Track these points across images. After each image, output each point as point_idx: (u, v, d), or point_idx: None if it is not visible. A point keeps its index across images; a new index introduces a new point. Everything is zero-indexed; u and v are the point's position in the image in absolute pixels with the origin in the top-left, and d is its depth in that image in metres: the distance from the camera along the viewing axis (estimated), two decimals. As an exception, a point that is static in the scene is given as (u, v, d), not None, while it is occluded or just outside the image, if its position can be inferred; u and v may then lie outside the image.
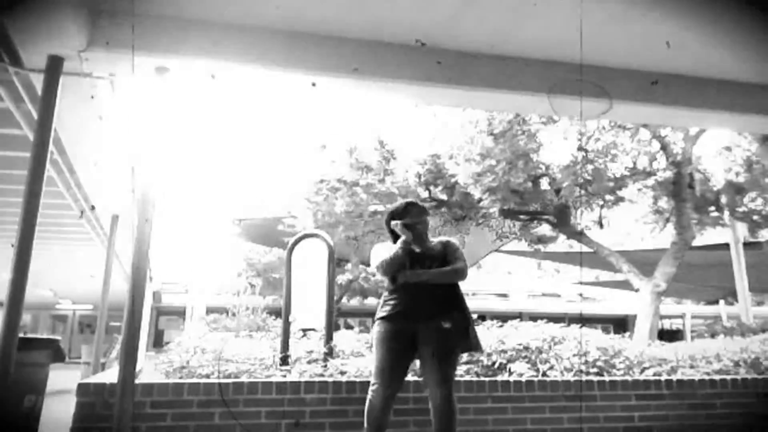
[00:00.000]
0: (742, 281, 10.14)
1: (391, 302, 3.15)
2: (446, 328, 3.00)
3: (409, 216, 3.28)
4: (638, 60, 3.57)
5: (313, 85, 3.33)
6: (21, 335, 2.72)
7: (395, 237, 3.26)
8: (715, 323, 10.75)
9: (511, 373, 3.87)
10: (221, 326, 8.86)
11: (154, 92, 3.03)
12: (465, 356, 4.11)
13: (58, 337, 4.67)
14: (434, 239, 3.38)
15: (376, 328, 3.12)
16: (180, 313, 17.64)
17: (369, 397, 2.99)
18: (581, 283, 20.84)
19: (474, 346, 3.14)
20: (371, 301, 18.40)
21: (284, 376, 3.57)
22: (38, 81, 2.90)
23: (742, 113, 3.81)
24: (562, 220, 9.08)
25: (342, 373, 3.64)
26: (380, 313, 3.15)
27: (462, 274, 3.19)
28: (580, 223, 9.49)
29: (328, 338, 4.01)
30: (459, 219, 9.26)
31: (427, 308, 3.06)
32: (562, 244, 10.97)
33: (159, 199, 3.05)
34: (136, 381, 3.13)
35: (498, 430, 3.58)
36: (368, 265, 14.81)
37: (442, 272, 3.15)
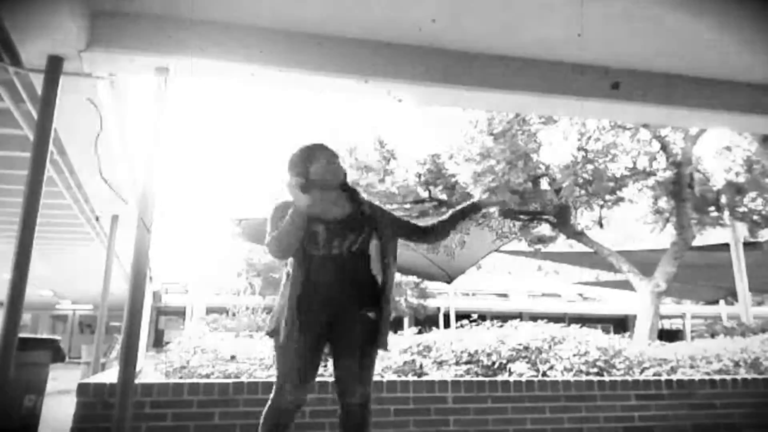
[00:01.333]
0: (742, 281, 10.13)
1: (299, 284, 2.39)
2: (370, 318, 2.40)
3: (313, 162, 2.50)
4: (638, 60, 3.57)
5: (320, 92, 3.33)
6: (21, 335, 2.72)
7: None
8: (715, 323, 10.75)
9: (511, 373, 3.87)
10: (221, 326, 8.86)
11: (154, 92, 3.03)
12: (465, 357, 4.11)
13: (58, 337, 4.67)
14: (346, 199, 2.56)
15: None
16: (180, 313, 17.65)
17: (272, 401, 2.38)
18: (581, 283, 20.84)
19: (382, 344, 2.45)
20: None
21: (284, 376, 3.57)
22: (38, 81, 2.89)
23: (742, 113, 3.81)
24: (562, 220, 9.07)
25: (342, 373, 3.63)
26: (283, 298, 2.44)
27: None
28: (580, 223, 9.48)
29: (328, 338, 4.00)
30: (459, 219, 9.25)
31: (347, 292, 2.41)
32: (562, 244, 10.97)
33: (159, 199, 3.05)
34: (136, 381, 3.13)
35: (498, 430, 3.58)
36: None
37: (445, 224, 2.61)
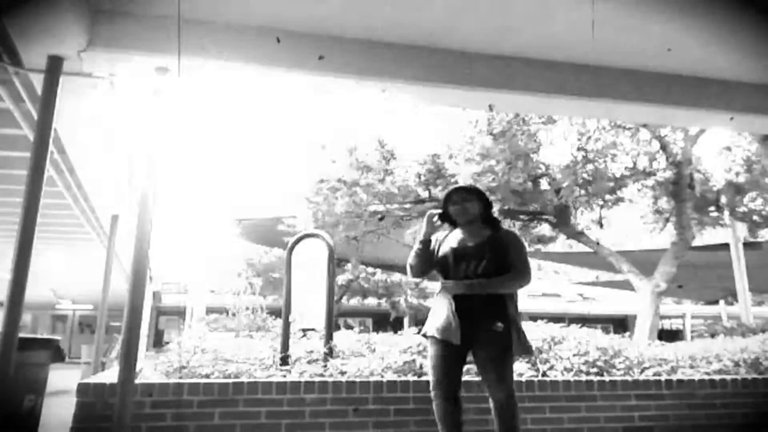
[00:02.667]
0: (742, 281, 10.14)
1: (438, 312, 2.96)
2: (498, 331, 2.83)
3: (449, 203, 3.12)
4: (638, 60, 3.57)
5: (318, 93, 3.34)
6: (21, 335, 2.72)
7: (448, 220, 3.14)
8: (715, 323, 10.75)
9: (511, 373, 3.87)
10: (221, 326, 8.86)
11: (154, 92, 3.03)
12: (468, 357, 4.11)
13: (58, 337, 4.67)
14: (486, 230, 3.07)
15: (428, 347, 2.99)
16: (180, 313, 17.64)
17: (434, 406, 2.95)
18: (581, 283, 20.84)
19: (526, 349, 2.95)
20: (371, 301, 18.40)
21: (284, 376, 3.57)
22: (38, 81, 2.90)
23: (742, 113, 3.81)
24: (562, 220, 9.08)
25: (342, 373, 3.64)
26: (428, 327, 2.99)
27: (523, 279, 2.94)
28: (580, 223, 9.49)
29: (328, 338, 4.01)
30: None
31: (476, 313, 2.88)
32: (562, 244, 10.97)
33: (159, 199, 3.05)
34: (136, 381, 3.13)
35: (498, 430, 3.58)
36: (368, 265, 14.83)
37: (500, 282, 2.90)
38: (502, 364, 2.86)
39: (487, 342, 2.85)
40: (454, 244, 3.02)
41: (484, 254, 2.94)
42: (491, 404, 2.87)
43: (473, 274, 2.92)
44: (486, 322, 2.85)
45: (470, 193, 3.12)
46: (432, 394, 2.93)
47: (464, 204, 3.08)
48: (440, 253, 3.06)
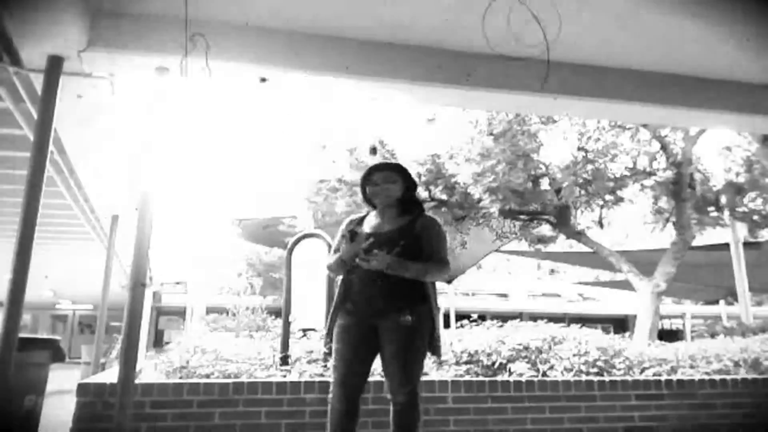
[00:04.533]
0: (742, 281, 10.14)
1: (345, 290, 2.75)
2: (407, 324, 2.58)
3: (368, 184, 2.80)
4: (638, 60, 3.57)
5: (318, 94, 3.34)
6: (21, 335, 2.72)
7: (368, 201, 2.86)
8: (715, 323, 10.75)
9: (511, 373, 3.87)
10: (221, 326, 8.86)
11: (154, 92, 3.03)
12: (465, 357, 4.11)
13: (58, 337, 4.67)
14: (406, 215, 2.78)
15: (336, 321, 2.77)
16: (180, 313, 17.64)
17: (329, 400, 2.74)
18: (581, 283, 20.85)
19: (433, 349, 2.71)
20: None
21: (284, 376, 3.57)
22: (38, 81, 2.89)
23: (742, 113, 3.81)
24: (562, 220, 9.08)
25: (342, 373, 3.63)
26: (336, 303, 2.79)
27: (445, 270, 2.70)
28: (580, 223, 9.49)
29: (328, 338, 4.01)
30: (459, 219, 9.26)
31: (386, 300, 2.64)
32: (562, 244, 10.97)
33: (159, 199, 3.05)
34: (136, 381, 3.13)
35: (498, 430, 3.58)
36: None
37: (424, 268, 2.63)
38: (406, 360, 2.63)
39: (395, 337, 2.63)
40: (368, 230, 2.75)
41: (397, 241, 2.64)
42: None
43: None
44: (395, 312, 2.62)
45: (393, 171, 2.81)
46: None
47: (385, 185, 2.77)
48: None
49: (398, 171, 2.83)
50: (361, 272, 2.67)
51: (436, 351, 2.72)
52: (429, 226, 2.74)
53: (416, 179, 2.96)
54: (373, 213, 2.87)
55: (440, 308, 2.82)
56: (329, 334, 2.81)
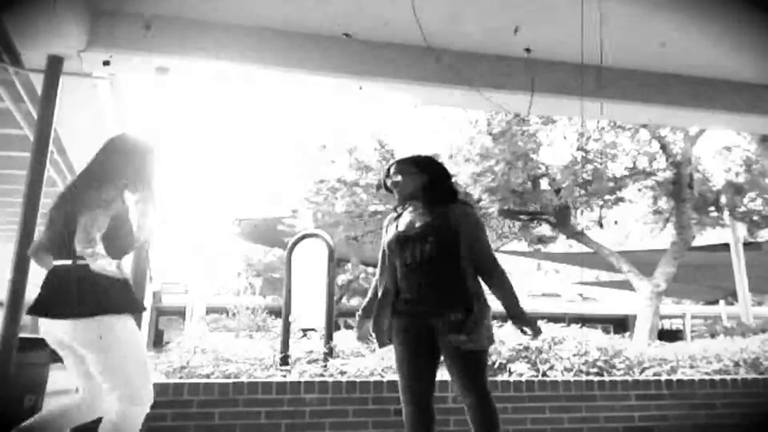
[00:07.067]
0: (742, 281, 10.14)
1: (393, 291, 2.63)
2: (461, 344, 2.44)
3: (388, 179, 2.67)
4: (638, 60, 3.57)
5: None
6: (21, 335, 2.72)
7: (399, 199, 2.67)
8: (715, 323, 10.75)
9: (511, 373, 3.87)
10: (221, 326, 8.86)
11: (154, 92, 3.03)
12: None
13: (58, 337, 4.67)
14: (439, 207, 2.57)
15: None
16: (180, 313, 17.64)
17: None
18: (581, 283, 20.84)
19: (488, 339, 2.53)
20: (371, 301, 18.37)
21: (284, 376, 3.57)
22: (38, 81, 2.90)
23: (742, 113, 3.81)
24: (562, 220, 9.08)
25: (342, 373, 3.63)
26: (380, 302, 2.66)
27: (504, 273, 2.53)
28: (580, 223, 9.49)
29: (328, 338, 4.01)
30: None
31: (436, 298, 2.50)
32: (562, 244, 10.97)
33: (159, 198, 3.05)
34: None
35: (498, 430, 3.58)
36: (368, 265, 14.84)
37: (509, 289, 2.51)
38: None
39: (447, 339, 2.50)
40: (402, 227, 2.61)
41: (427, 237, 2.50)
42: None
43: (416, 262, 2.52)
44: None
45: (408, 164, 2.66)
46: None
47: (397, 179, 2.64)
48: (387, 239, 2.65)
49: (414, 163, 2.68)
50: (407, 271, 2.56)
51: (490, 341, 2.55)
52: (464, 216, 2.54)
53: (444, 168, 2.74)
54: (409, 208, 2.69)
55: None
56: (377, 335, 2.65)
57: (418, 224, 2.57)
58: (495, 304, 2.58)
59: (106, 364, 2.06)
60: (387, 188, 2.71)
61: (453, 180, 2.77)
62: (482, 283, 2.54)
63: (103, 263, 1.99)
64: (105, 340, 2.04)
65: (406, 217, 2.66)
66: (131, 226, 2.16)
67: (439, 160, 2.83)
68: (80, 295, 2.02)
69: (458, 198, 2.65)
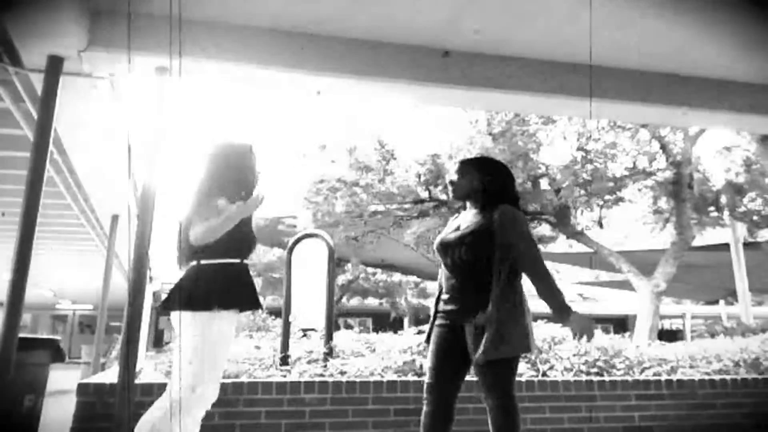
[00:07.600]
0: (742, 281, 10.14)
1: (438, 292, 2.69)
2: (479, 324, 2.42)
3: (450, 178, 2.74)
4: (639, 60, 3.57)
5: (318, 93, 3.33)
6: (21, 335, 2.72)
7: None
8: (715, 323, 10.76)
9: (511, 373, 3.86)
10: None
11: (154, 92, 3.03)
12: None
13: (58, 337, 4.67)
14: (486, 210, 2.55)
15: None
16: (180, 313, 17.58)
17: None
18: (581, 283, 20.84)
19: (525, 347, 2.50)
20: (371, 301, 18.39)
21: (284, 376, 3.57)
22: (38, 81, 2.89)
23: (742, 113, 3.80)
24: (562, 220, 9.08)
25: (342, 373, 3.64)
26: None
27: (548, 273, 2.46)
28: (580, 223, 9.49)
29: (328, 338, 4.01)
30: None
31: (463, 300, 2.52)
32: (562, 244, 10.97)
33: (159, 198, 3.05)
34: (136, 381, 3.13)
35: (498, 430, 3.58)
36: (368, 265, 14.83)
37: (554, 287, 2.43)
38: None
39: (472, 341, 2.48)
40: (449, 229, 2.67)
41: (464, 239, 2.51)
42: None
43: (454, 264, 2.55)
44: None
45: (466, 164, 2.69)
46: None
47: (452, 178, 2.69)
48: (436, 240, 2.73)
49: (471, 163, 2.69)
50: (447, 272, 2.60)
51: (527, 348, 2.51)
52: (502, 216, 2.49)
53: (502, 171, 2.70)
54: (468, 209, 2.69)
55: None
56: (428, 339, 2.69)
57: (463, 226, 2.60)
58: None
59: None
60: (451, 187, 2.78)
61: (511, 183, 2.73)
62: (521, 287, 2.52)
63: None
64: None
65: (461, 217, 2.70)
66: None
67: (503, 164, 2.85)
68: None
69: (508, 200, 2.61)
